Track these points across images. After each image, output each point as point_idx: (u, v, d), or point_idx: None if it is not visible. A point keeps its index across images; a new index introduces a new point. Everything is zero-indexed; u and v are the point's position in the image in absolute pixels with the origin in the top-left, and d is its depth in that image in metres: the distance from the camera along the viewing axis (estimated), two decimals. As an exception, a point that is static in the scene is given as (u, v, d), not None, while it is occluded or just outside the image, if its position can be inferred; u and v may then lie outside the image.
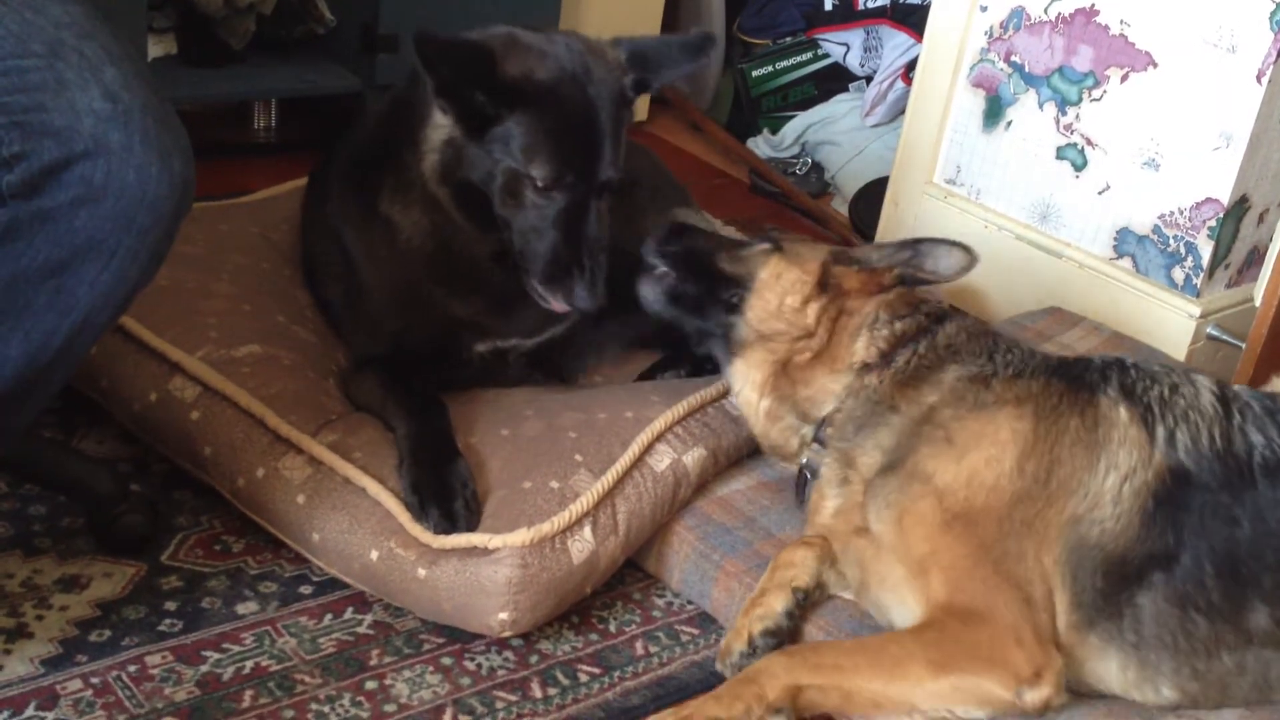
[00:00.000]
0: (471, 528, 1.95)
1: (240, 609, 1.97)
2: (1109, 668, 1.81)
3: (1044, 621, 1.77)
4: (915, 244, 2.09)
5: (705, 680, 1.97)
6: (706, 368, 2.48)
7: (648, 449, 2.13)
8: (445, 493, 1.97)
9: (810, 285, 2.04)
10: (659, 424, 2.16)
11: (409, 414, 2.11)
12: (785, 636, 1.91)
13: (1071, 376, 1.93)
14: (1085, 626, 1.79)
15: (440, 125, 2.11)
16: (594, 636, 2.03)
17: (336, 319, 2.42)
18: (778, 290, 2.05)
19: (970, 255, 2.05)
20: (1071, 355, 2.08)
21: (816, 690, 1.76)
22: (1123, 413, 1.86)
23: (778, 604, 1.93)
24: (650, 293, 2.13)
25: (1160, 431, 1.84)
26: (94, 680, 1.80)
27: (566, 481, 2.02)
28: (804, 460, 2.06)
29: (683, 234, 2.19)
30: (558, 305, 2.12)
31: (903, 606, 1.85)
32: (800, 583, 1.94)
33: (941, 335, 2.00)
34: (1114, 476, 1.82)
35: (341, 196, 2.33)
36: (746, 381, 2.08)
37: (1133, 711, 1.81)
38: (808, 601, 1.96)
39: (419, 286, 2.22)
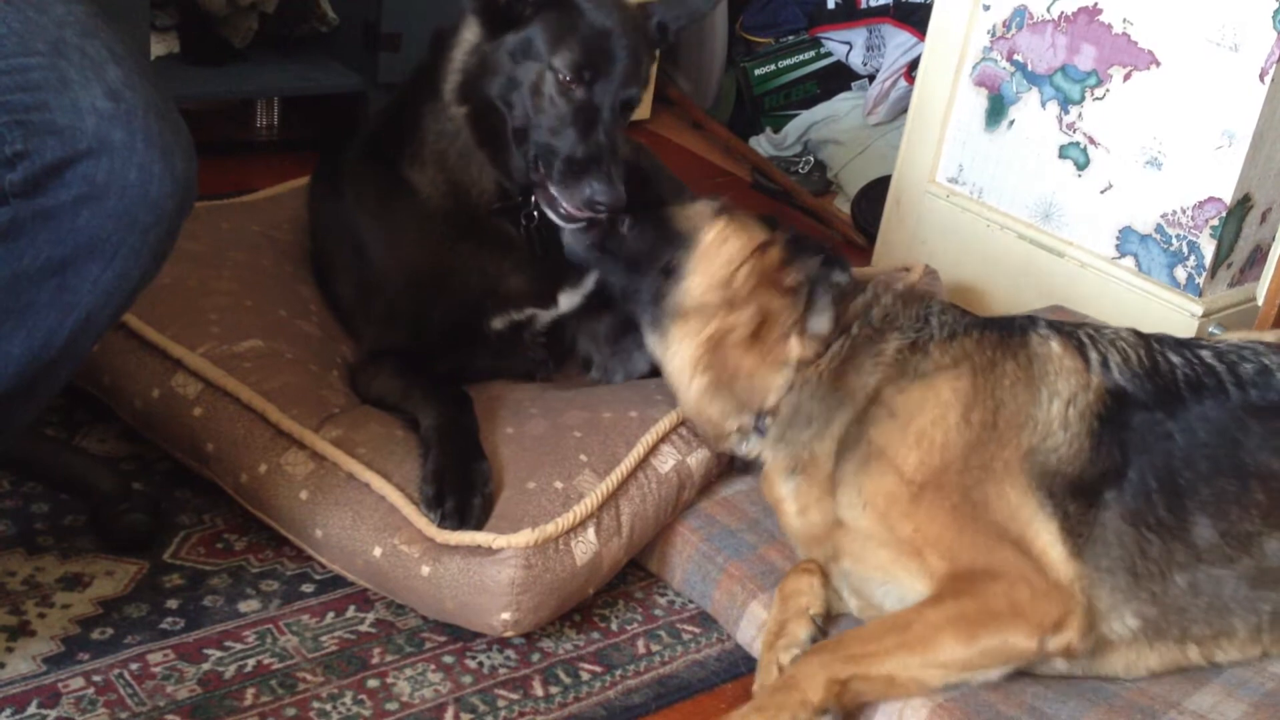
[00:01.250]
0: (480, 526, 1.95)
1: (242, 607, 1.97)
2: (1100, 599, 1.81)
3: (1046, 563, 1.78)
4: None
5: (706, 679, 1.97)
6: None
7: (652, 450, 2.13)
8: (466, 486, 1.97)
9: (750, 256, 2.01)
10: (663, 425, 2.16)
11: (437, 405, 2.11)
12: None
13: (1001, 326, 1.97)
14: (1077, 556, 1.80)
15: (466, 39, 2.16)
16: (595, 635, 2.03)
17: (347, 314, 2.41)
18: (721, 258, 2.02)
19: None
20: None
21: (859, 680, 1.75)
22: (1055, 346, 1.92)
23: (801, 632, 1.91)
24: (580, 238, 2.12)
25: (1094, 356, 1.92)
26: (96, 678, 1.80)
27: (571, 482, 2.02)
28: (742, 449, 2.05)
29: (630, 177, 2.12)
30: (576, 208, 2.11)
31: (899, 589, 1.84)
32: (816, 609, 1.94)
33: (877, 310, 2.00)
34: (1058, 403, 1.87)
35: (358, 180, 2.34)
36: (679, 354, 2.03)
37: (1134, 709, 1.82)
38: (824, 625, 1.95)
39: (443, 252, 2.23)
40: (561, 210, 2.13)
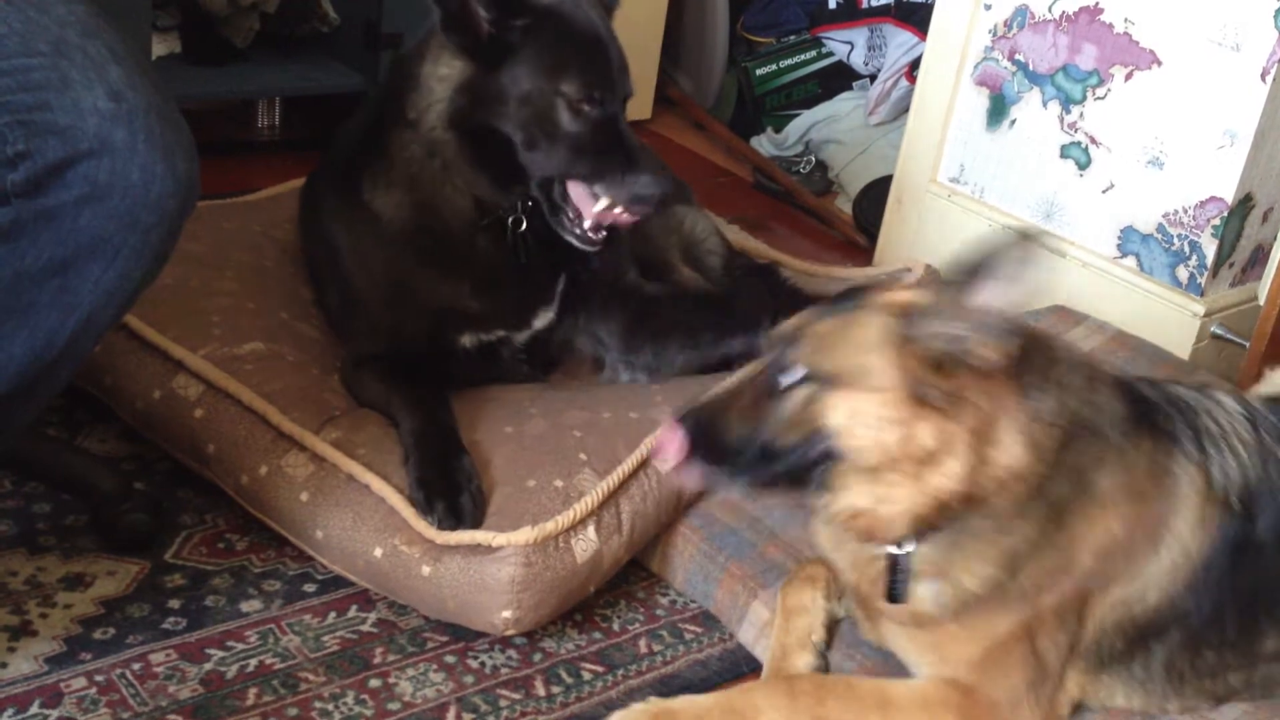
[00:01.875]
0: (477, 523, 1.95)
1: (244, 607, 1.97)
2: (1114, 697, 1.80)
3: (1051, 693, 1.74)
4: (969, 276, 1.55)
5: (709, 679, 1.97)
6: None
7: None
8: (451, 488, 1.97)
9: (898, 405, 1.56)
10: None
11: (413, 409, 2.11)
12: None
13: (1152, 425, 1.74)
14: (1095, 670, 1.78)
15: (446, 73, 2.10)
16: (597, 635, 2.03)
17: (334, 320, 2.41)
18: (862, 438, 1.58)
19: (1034, 242, 1.53)
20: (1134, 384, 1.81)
21: None
22: (1195, 481, 1.73)
23: (801, 661, 1.87)
24: (741, 491, 1.77)
25: (1218, 480, 1.74)
26: (98, 678, 1.80)
27: (571, 480, 2.02)
28: (906, 548, 1.70)
29: (707, 427, 1.66)
30: (618, 216, 2.08)
31: (915, 664, 1.79)
32: (819, 636, 1.89)
33: (1075, 399, 1.67)
34: (1169, 557, 1.73)
35: (329, 197, 2.33)
36: (874, 507, 1.64)
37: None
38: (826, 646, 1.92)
39: (405, 275, 2.21)
40: (578, 231, 2.13)
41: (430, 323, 2.23)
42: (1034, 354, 1.65)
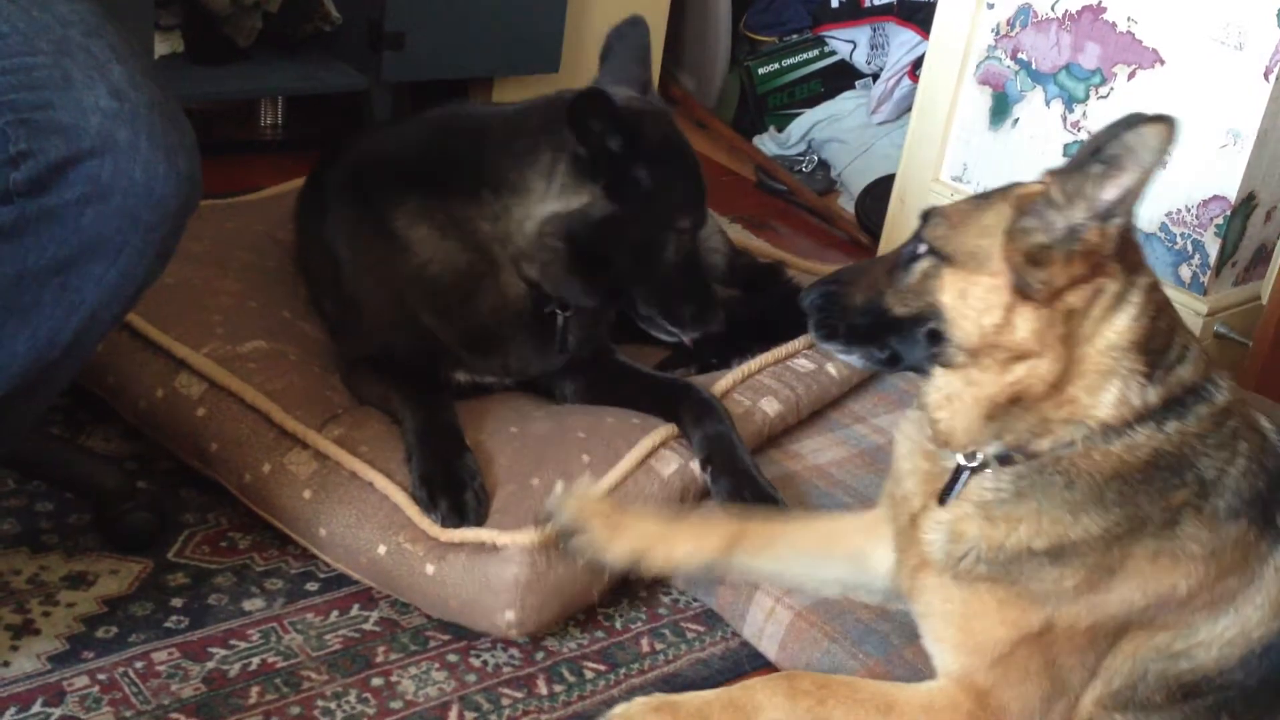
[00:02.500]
0: (481, 520, 1.96)
1: (247, 605, 1.97)
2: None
3: (1065, 712, 1.72)
4: (1094, 154, 1.55)
5: (711, 678, 1.97)
6: (713, 363, 2.49)
7: (652, 453, 2.13)
8: (454, 485, 1.97)
9: (1005, 291, 1.60)
10: (662, 432, 2.17)
11: (415, 407, 2.11)
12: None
13: (1265, 518, 1.68)
14: (1113, 710, 1.75)
15: (573, 200, 2.07)
16: (600, 634, 2.03)
17: (331, 321, 2.40)
18: (970, 315, 1.62)
19: (1170, 127, 1.50)
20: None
21: None
22: (1276, 591, 1.69)
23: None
24: (858, 363, 1.80)
25: None
26: (100, 677, 1.80)
27: (574, 482, 2.03)
28: (974, 462, 1.71)
29: (832, 301, 1.75)
30: (688, 338, 2.20)
31: (936, 652, 1.77)
32: (656, 567, 1.92)
33: (1191, 419, 1.63)
34: (1233, 630, 1.69)
35: (341, 206, 2.30)
36: (958, 394, 1.68)
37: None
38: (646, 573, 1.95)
39: (416, 310, 2.18)
40: (671, 329, 2.18)
41: (426, 357, 2.20)
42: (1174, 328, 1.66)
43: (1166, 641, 1.71)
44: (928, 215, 1.69)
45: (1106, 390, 1.62)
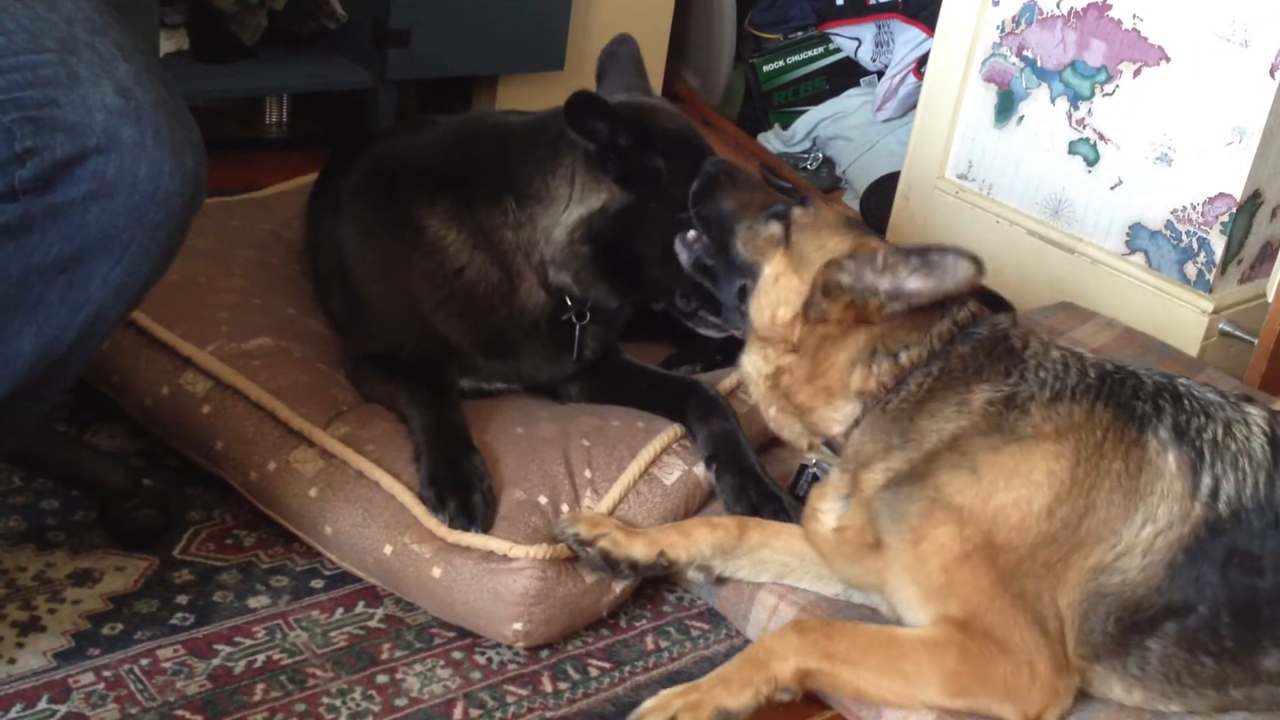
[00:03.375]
0: (489, 521, 1.96)
1: (252, 603, 1.97)
2: (1112, 689, 1.82)
3: (1058, 651, 1.76)
4: (921, 254, 1.82)
5: (716, 675, 1.97)
6: (718, 360, 2.49)
7: (655, 461, 2.13)
8: (463, 486, 1.97)
9: (803, 298, 1.88)
10: (664, 437, 2.17)
11: (423, 406, 2.10)
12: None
13: (1120, 403, 1.82)
14: (1090, 659, 1.79)
15: (592, 197, 2.09)
16: (604, 632, 2.03)
17: (336, 319, 2.40)
18: (772, 296, 1.91)
19: (979, 268, 1.80)
20: (1111, 364, 1.90)
21: (826, 676, 1.77)
22: (1171, 461, 1.77)
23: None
24: (683, 254, 2.04)
25: (1206, 482, 1.76)
26: (106, 673, 1.80)
27: (579, 504, 2.04)
28: (812, 460, 2.05)
29: (714, 189, 2.02)
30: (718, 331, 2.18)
31: (915, 615, 1.83)
32: (677, 553, 1.98)
33: (954, 358, 1.84)
34: (1149, 529, 1.75)
35: (358, 206, 2.29)
36: (752, 376, 1.97)
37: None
38: (673, 569, 2.00)
39: (426, 313, 2.18)
40: (715, 322, 2.15)
41: (435, 359, 2.20)
42: (931, 324, 1.87)
43: (1098, 558, 1.76)
44: (804, 199, 1.98)
45: (852, 376, 1.87)
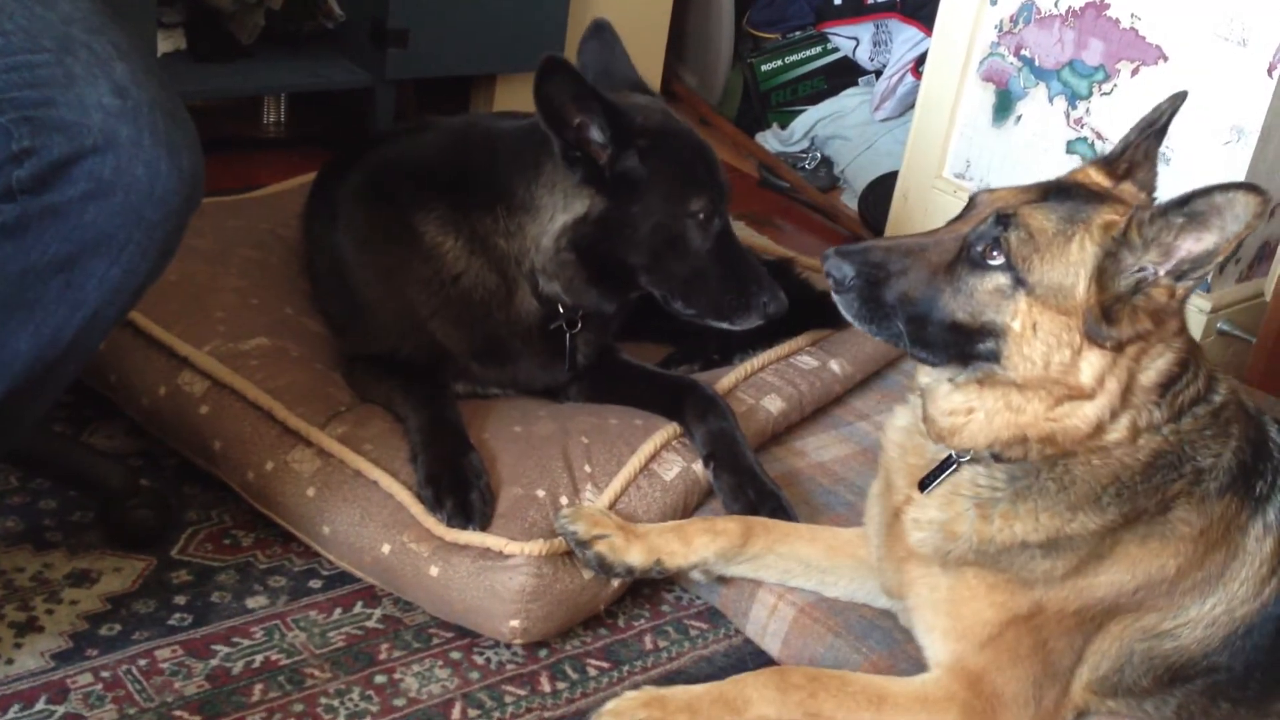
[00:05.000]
0: (486, 520, 1.96)
1: (250, 603, 1.97)
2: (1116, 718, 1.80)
3: (1058, 691, 1.73)
4: (1182, 205, 1.52)
5: (714, 675, 1.96)
6: (715, 359, 2.49)
7: (654, 457, 2.13)
8: (460, 485, 1.97)
9: (1079, 333, 1.58)
10: (663, 433, 2.17)
11: (419, 406, 2.10)
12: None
13: (1248, 486, 1.70)
14: (1103, 696, 1.77)
15: (575, 205, 2.07)
16: (603, 631, 2.03)
17: (332, 320, 2.40)
18: (1040, 349, 1.59)
19: (1262, 197, 1.49)
20: (1254, 428, 1.74)
21: None
22: (1267, 547, 1.70)
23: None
24: (894, 345, 1.72)
25: None
26: (104, 674, 1.80)
27: (579, 497, 2.04)
28: (966, 456, 1.71)
29: (879, 287, 1.66)
30: (745, 326, 2.15)
31: (933, 645, 1.78)
32: (675, 562, 1.94)
33: (1202, 409, 1.66)
34: (1221, 607, 1.71)
35: (356, 209, 2.28)
36: (996, 409, 1.65)
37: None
38: (666, 573, 1.97)
39: (424, 318, 2.18)
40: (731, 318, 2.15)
41: (431, 363, 2.20)
42: (1192, 361, 1.66)
43: (1154, 622, 1.72)
44: (1006, 221, 1.60)
45: (1122, 419, 1.63)
